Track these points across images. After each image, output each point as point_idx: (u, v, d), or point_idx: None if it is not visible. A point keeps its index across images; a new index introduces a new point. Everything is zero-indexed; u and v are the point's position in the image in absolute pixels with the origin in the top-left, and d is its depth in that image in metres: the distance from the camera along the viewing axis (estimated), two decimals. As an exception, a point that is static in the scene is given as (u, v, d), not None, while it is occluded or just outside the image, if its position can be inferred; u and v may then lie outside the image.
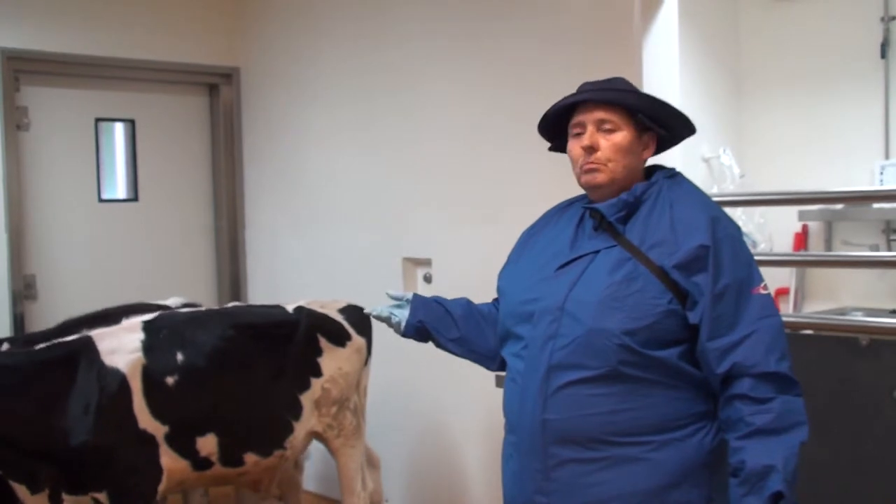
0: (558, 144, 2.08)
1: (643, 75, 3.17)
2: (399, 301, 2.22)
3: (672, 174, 1.98)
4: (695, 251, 1.80)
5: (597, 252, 1.89)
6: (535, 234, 2.11)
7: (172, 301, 3.66)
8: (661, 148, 2.02)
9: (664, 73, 3.54)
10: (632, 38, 3.14)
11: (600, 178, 1.92)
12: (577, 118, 1.95)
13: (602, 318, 1.81)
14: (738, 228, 1.92)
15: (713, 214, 1.86)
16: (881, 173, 4.13)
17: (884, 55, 4.19)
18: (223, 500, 4.12)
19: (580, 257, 1.91)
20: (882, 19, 4.19)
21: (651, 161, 2.04)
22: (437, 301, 2.21)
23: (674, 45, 3.64)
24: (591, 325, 1.81)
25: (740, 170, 4.29)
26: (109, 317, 3.00)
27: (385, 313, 2.19)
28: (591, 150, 1.91)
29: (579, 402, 1.83)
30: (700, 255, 1.80)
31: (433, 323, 2.16)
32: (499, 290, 2.13)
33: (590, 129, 1.92)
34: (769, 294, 1.86)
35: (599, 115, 1.92)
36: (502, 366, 2.09)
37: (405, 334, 2.19)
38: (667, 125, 1.96)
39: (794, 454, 1.74)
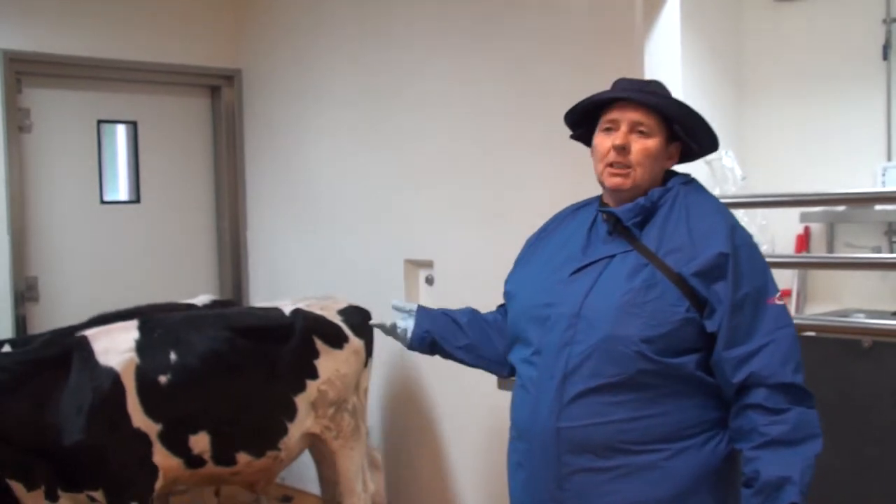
0: (580, 134, 2.04)
1: (645, 77, 3.16)
2: (403, 312, 2.17)
3: (688, 180, 1.95)
4: (714, 259, 1.77)
5: (612, 257, 1.86)
6: (545, 238, 2.08)
7: (200, 299, 3.67)
8: (680, 160, 1.99)
9: (666, 75, 3.54)
10: (634, 40, 3.13)
11: (627, 182, 1.88)
12: (613, 114, 1.90)
13: (620, 324, 1.78)
14: (752, 237, 1.89)
15: (730, 222, 1.84)
16: (883, 175, 4.13)
17: (886, 57, 4.20)
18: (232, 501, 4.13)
19: (594, 262, 1.88)
20: (884, 21, 4.20)
21: None
22: (442, 311, 2.17)
23: (675, 47, 3.64)
24: (608, 332, 1.78)
25: (742, 172, 4.29)
26: (139, 315, 3.02)
27: (389, 324, 2.16)
28: (622, 149, 1.87)
29: (595, 410, 1.80)
30: (719, 262, 1.77)
31: (440, 332, 2.13)
32: (507, 294, 2.10)
33: (623, 128, 1.88)
34: (784, 304, 1.83)
35: (636, 116, 1.87)
36: (514, 371, 2.06)
37: (411, 346, 2.16)
38: (698, 139, 1.92)
39: (809, 466, 1.72)
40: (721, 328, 1.76)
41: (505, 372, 2.13)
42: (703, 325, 1.78)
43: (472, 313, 2.18)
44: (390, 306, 2.23)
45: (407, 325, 2.15)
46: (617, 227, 1.88)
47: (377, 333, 3.42)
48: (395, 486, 4.00)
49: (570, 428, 1.81)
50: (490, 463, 3.67)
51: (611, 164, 1.89)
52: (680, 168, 2.03)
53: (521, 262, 2.12)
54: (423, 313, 2.16)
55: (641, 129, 1.87)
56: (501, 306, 2.18)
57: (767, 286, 1.82)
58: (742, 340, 1.76)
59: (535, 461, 1.88)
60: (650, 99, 1.88)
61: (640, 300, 1.78)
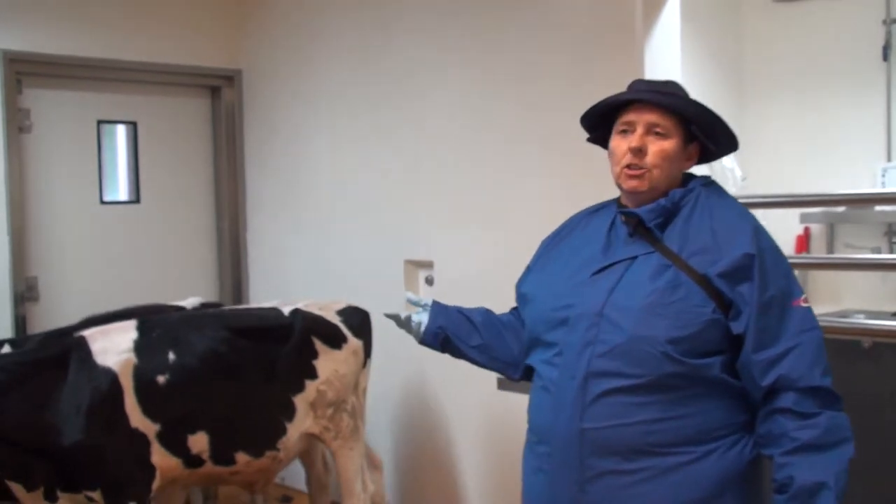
0: (597, 136, 2.02)
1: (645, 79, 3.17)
2: (417, 306, 2.14)
3: (708, 182, 1.93)
4: (740, 260, 1.75)
5: (634, 258, 1.84)
6: (561, 241, 2.05)
7: (189, 301, 3.67)
8: (699, 161, 1.96)
9: (666, 77, 3.54)
10: (634, 43, 3.13)
11: (643, 184, 1.86)
12: (629, 116, 1.88)
13: (645, 325, 1.76)
14: (774, 239, 1.88)
15: (754, 224, 1.83)
16: (883, 176, 4.13)
17: (885, 58, 4.20)
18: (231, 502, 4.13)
19: (616, 263, 1.85)
20: (884, 22, 4.20)
21: None
22: (457, 309, 2.14)
23: (676, 50, 3.63)
24: (633, 333, 1.76)
25: (742, 172, 4.29)
26: (131, 316, 3.01)
27: (404, 316, 2.12)
28: (638, 152, 1.85)
29: (619, 410, 1.77)
30: (745, 263, 1.75)
31: (454, 329, 2.09)
32: (522, 297, 2.07)
33: (639, 130, 1.86)
34: (809, 307, 1.81)
35: (653, 118, 1.85)
36: (526, 375, 2.04)
37: (423, 341, 2.12)
38: (716, 139, 1.91)
39: (843, 470, 1.70)
40: (748, 330, 1.74)
41: (517, 375, 2.09)
42: (727, 326, 1.77)
43: (486, 313, 2.14)
44: (405, 298, 2.20)
45: (421, 318, 2.11)
46: (638, 228, 1.87)
47: (377, 335, 3.43)
48: (396, 486, 4.00)
49: (594, 429, 1.78)
50: (490, 462, 3.67)
51: (628, 167, 1.87)
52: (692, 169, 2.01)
53: (535, 265, 2.09)
54: (437, 308, 2.12)
55: (658, 130, 1.86)
56: (515, 308, 2.15)
57: (792, 288, 1.80)
58: (769, 343, 1.74)
59: (556, 464, 1.84)
60: (665, 100, 1.86)
61: (666, 300, 1.76)
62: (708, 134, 1.89)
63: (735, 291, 1.75)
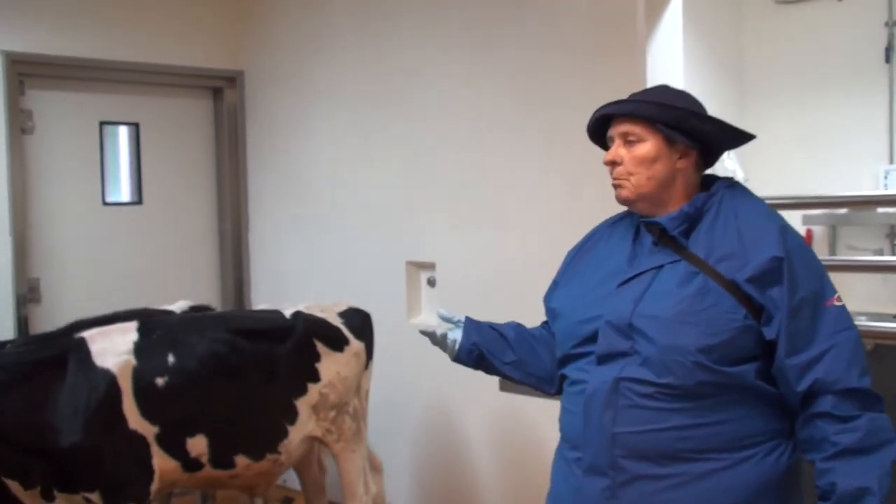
0: None
1: (647, 81, 3.17)
2: (450, 322, 2.12)
3: (732, 183, 1.91)
4: (768, 263, 1.73)
5: (660, 267, 1.82)
6: (585, 254, 2.04)
7: (179, 305, 3.66)
8: (712, 156, 1.94)
9: (668, 79, 3.55)
10: (636, 44, 3.13)
11: (624, 193, 1.88)
12: (609, 132, 1.92)
13: (676, 334, 1.74)
14: (803, 238, 1.86)
15: (781, 224, 1.80)
16: (885, 178, 4.13)
17: (888, 59, 4.20)
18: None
19: (642, 273, 1.84)
20: (886, 24, 4.19)
21: None
22: (489, 324, 2.13)
23: (678, 51, 3.64)
24: (664, 342, 1.75)
25: (744, 174, 4.29)
26: (118, 321, 3.00)
27: (440, 334, 2.10)
28: (612, 164, 1.88)
29: (652, 416, 1.76)
30: (774, 267, 1.73)
31: (487, 345, 2.08)
32: (551, 312, 2.06)
33: (616, 142, 1.89)
34: (843, 305, 1.78)
35: (623, 127, 1.87)
36: (561, 389, 2.02)
37: (457, 358, 2.10)
38: (698, 135, 1.87)
39: (886, 473, 1.67)
40: (780, 334, 1.72)
41: (552, 390, 2.08)
42: (760, 332, 1.74)
43: (518, 328, 2.13)
44: (437, 314, 2.18)
45: (455, 336, 2.09)
46: (662, 237, 1.85)
47: (380, 339, 3.43)
48: (400, 489, 4.00)
49: (626, 433, 1.77)
50: (492, 464, 3.67)
51: (613, 179, 1.90)
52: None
53: (562, 280, 2.08)
54: (470, 325, 2.11)
55: (630, 138, 1.87)
56: (545, 322, 2.14)
57: (824, 288, 1.77)
58: (803, 346, 1.72)
59: (588, 470, 1.83)
60: (623, 108, 1.88)
61: (696, 308, 1.74)
62: (685, 131, 1.85)
63: (765, 296, 1.73)
